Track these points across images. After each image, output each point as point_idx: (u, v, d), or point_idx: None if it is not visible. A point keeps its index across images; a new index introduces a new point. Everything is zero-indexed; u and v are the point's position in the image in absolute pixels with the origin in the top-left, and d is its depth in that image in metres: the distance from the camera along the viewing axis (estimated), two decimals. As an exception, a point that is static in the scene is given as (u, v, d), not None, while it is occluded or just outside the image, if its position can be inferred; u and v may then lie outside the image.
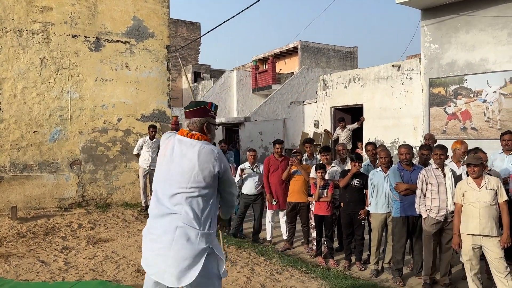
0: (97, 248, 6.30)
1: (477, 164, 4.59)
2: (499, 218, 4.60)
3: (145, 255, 2.79)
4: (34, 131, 8.71)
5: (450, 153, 5.89)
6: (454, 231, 4.78)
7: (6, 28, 8.43)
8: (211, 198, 2.80)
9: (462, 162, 5.68)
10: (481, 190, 4.58)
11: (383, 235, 5.89)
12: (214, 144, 3.50)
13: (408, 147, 5.79)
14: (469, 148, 5.95)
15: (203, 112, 2.94)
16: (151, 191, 9.35)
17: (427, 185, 5.28)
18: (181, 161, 2.75)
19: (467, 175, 5.01)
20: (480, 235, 4.55)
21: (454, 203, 4.84)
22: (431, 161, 5.65)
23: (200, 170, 2.70)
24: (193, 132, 2.86)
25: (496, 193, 4.56)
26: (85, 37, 9.17)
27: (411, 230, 5.61)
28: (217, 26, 14.90)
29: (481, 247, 4.63)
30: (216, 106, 3.09)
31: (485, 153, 5.62)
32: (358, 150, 11.36)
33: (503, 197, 4.56)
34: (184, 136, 2.85)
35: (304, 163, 7.25)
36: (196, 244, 2.65)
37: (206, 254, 2.66)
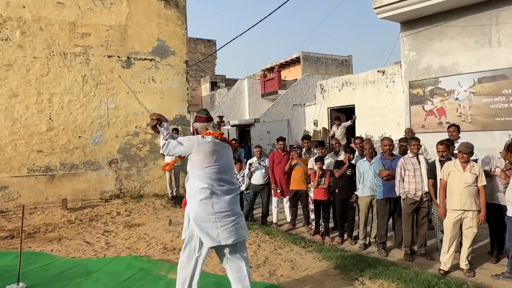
0: (132, 231, 6.45)
1: (467, 152, 4.64)
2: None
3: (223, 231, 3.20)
4: (79, 136, 8.92)
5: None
6: (440, 202, 4.83)
7: (53, 52, 8.68)
8: None
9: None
10: (465, 173, 4.63)
11: (369, 214, 5.97)
12: None
13: (390, 140, 5.86)
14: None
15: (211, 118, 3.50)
16: (175, 183, 9.52)
17: (405, 171, 5.36)
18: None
19: (440, 161, 5.09)
20: (461, 209, 4.62)
21: (440, 179, 4.89)
22: (408, 151, 5.72)
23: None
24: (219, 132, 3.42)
25: (477, 177, 4.61)
26: (118, 57, 9.35)
27: (392, 209, 5.69)
28: (229, 42, 15.03)
29: (460, 220, 4.66)
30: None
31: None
32: (352, 145, 11.40)
33: (482, 182, 4.61)
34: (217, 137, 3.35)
35: (303, 156, 7.34)
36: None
37: None
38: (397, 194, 5.43)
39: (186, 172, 3.43)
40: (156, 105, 9.78)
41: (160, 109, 9.78)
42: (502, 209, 4.70)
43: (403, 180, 5.35)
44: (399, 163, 5.43)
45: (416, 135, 7.08)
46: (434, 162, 5.31)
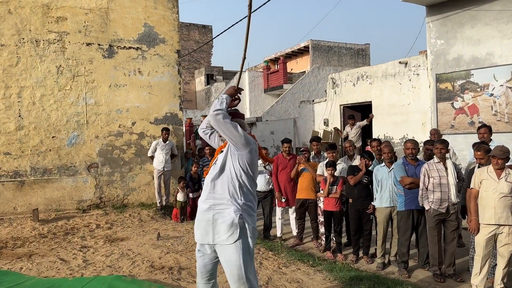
0: (113, 247, 6.46)
1: (502, 157, 4.62)
2: None
3: None
4: (53, 137, 8.94)
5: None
6: (472, 216, 4.81)
7: (23, 39, 8.71)
8: None
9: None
10: (500, 181, 4.62)
11: (388, 229, 5.96)
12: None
13: (414, 142, 5.87)
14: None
15: None
16: (165, 191, 9.54)
17: (429, 179, 5.36)
18: None
19: (479, 166, 5.09)
20: (496, 224, 4.60)
21: (471, 188, 4.89)
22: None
23: None
24: None
25: None
26: (99, 44, 9.38)
27: (415, 223, 5.68)
28: (228, 28, 15.07)
29: (494, 236, 4.66)
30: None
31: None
32: (368, 148, 11.42)
33: None
34: None
35: (311, 161, 7.36)
36: None
37: None
38: (420, 204, 5.45)
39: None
40: (143, 101, 9.82)
41: (148, 106, 9.86)
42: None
43: (427, 189, 5.36)
44: (422, 169, 5.44)
45: (444, 137, 7.09)
46: (473, 169, 5.32)
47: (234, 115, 3.27)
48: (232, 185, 3.11)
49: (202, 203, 3.21)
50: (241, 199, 3.11)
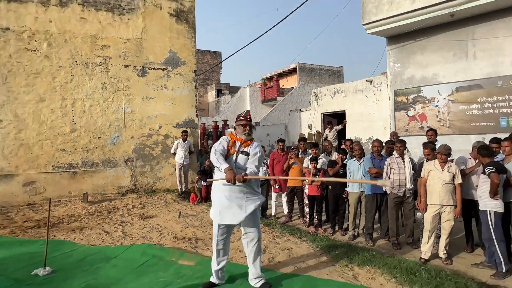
0: (145, 222, 6.50)
1: (445, 153, 4.70)
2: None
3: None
4: (99, 137, 8.97)
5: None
6: (422, 198, 4.88)
7: (76, 62, 8.73)
8: None
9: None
10: (443, 172, 4.68)
11: (358, 209, 6.01)
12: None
13: (380, 142, 5.92)
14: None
15: None
16: (184, 180, 9.57)
17: (391, 169, 5.41)
18: None
19: (427, 161, 5.13)
20: (440, 204, 4.68)
21: (421, 177, 4.95)
22: (394, 152, 5.76)
23: None
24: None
25: (454, 176, 4.68)
26: (134, 66, 9.41)
27: (379, 204, 5.73)
28: (233, 54, 15.08)
29: (438, 214, 4.73)
30: (246, 111, 3.85)
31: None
32: (343, 146, 11.45)
33: (458, 180, 4.68)
34: None
35: (299, 156, 7.38)
36: None
37: None
38: (383, 189, 5.48)
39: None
40: (168, 109, 9.85)
41: (172, 113, 9.86)
42: (476, 204, 4.73)
43: (388, 177, 5.40)
44: (386, 162, 5.49)
45: (400, 138, 7.11)
46: (423, 163, 5.36)
47: (247, 120, 3.76)
48: (255, 181, 3.67)
49: (234, 192, 3.56)
50: (259, 187, 3.80)
